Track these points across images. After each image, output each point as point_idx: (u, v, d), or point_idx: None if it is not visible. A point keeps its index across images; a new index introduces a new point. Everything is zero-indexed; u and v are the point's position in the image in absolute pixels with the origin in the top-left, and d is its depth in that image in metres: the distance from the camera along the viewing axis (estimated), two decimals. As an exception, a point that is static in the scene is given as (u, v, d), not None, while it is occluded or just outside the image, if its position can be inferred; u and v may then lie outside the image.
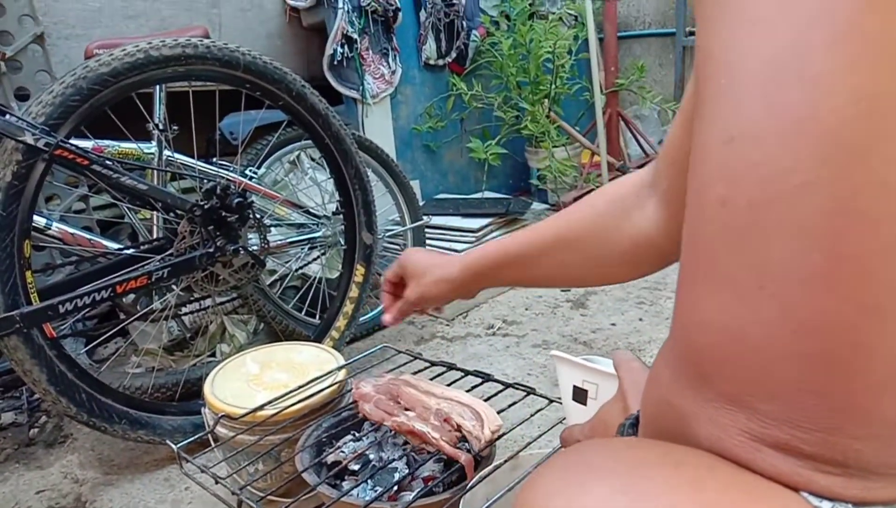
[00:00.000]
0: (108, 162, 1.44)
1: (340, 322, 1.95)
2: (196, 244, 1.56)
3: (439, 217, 2.75)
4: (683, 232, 0.35)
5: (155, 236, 1.69)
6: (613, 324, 2.16)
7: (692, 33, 3.17)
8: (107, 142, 1.74)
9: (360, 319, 2.07)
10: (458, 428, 1.14)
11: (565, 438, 0.69)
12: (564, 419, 1.14)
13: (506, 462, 1.07)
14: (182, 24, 2.47)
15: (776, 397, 0.31)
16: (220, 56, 1.56)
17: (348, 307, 1.96)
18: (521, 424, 1.18)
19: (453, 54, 3.11)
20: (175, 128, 1.82)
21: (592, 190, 3.19)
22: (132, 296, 1.90)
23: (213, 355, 2.11)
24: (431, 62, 3.04)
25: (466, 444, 1.17)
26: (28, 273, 1.41)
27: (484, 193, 3.12)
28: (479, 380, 1.33)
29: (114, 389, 1.57)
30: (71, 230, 1.69)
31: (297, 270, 2.23)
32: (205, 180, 1.66)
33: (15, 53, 2.03)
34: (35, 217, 1.49)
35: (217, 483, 1.11)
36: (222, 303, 2.06)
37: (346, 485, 1.18)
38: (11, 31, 2.03)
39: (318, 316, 2.16)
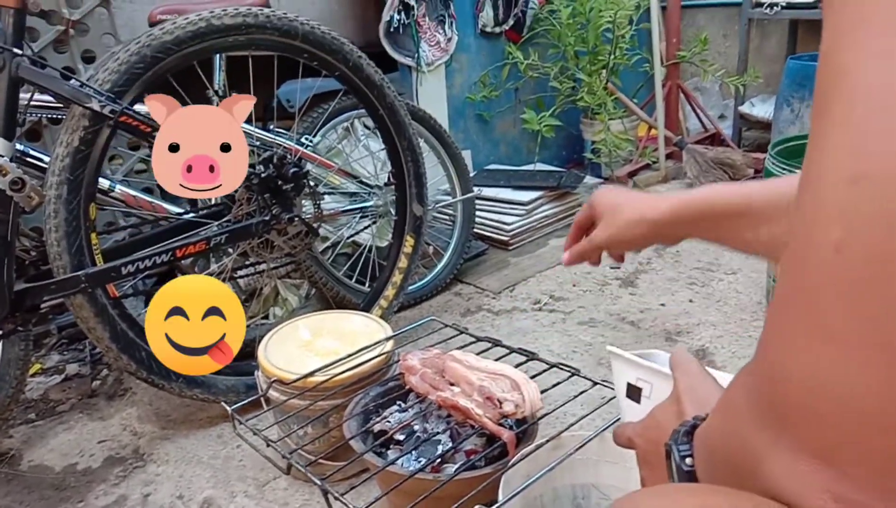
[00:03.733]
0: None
1: (389, 292, 1.98)
2: (253, 212, 1.60)
3: (490, 189, 2.74)
4: (781, 271, 0.32)
5: (213, 202, 1.73)
6: (663, 305, 2.14)
7: (759, 4, 3.04)
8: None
9: (409, 288, 2.10)
10: (501, 405, 1.16)
11: (618, 435, 0.68)
12: (609, 399, 1.15)
13: (548, 441, 1.09)
14: (242, -10, 2.49)
15: (873, 466, 0.28)
16: (280, 25, 1.57)
17: (397, 277, 1.99)
18: (564, 404, 1.19)
19: (510, 22, 3.06)
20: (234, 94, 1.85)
21: (648, 165, 3.16)
22: (190, 259, 1.97)
23: (266, 317, 2.17)
24: (488, 30, 3.00)
25: (509, 421, 1.19)
26: (93, 235, 1.47)
27: (536, 165, 3.08)
28: (524, 358, 1.35)
29: (172, 348, 1.63)
30: (133, 193, 1.75)
31: (348, 238, 2.26)
32: (262, 149, 1.69)
33: (82, 17, 2.09)
34: (99, 179, 1.54)
35: (268, 446, 1.16)
36: (276, 268, 2.11)
37: (390, 454, 1.21)
38: (79, -5, 2.09)
39: (367, 284, 2.19)
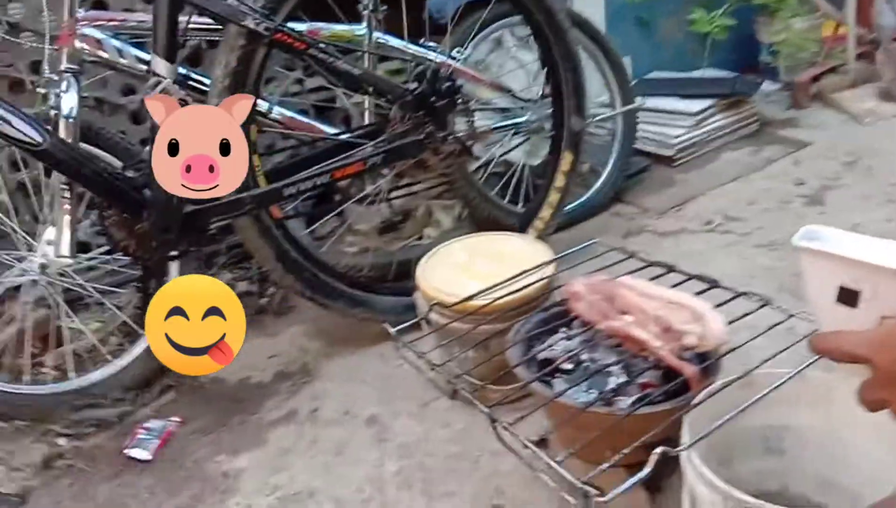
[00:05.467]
0: (322, 46, 1.43)
1: (545, 212, 1.89)
2: (407, 131, 1.55)
3: (653, 98, 2.52)
4: None
5: (367, 122, 1.70)
6: (857, 224, 1.89)
7: None
8: (319, 24, 1.75)
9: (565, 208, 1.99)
10: (681, 337, 1.05)
11: (821, 344, 0.55)
12: (814, 331, 1.01)
13: (738, 378, 0.98)
14: None
15: None
16: (432, -73, 1.47)
17: (554, 197, 1.88)
18: (754, 338, 1.06)
19: (676, -88, 2.74)
20: (384, 8, 1.78)
21: (835, 67, 2.77)
22: (347, 180, 1.97)
23: (420, 238, 2.16)
24: (651, -78, 2.71)
25: (688, 355, 1.08)
26: (255, 157, 1.48)
27: (704, 71, 2.80)
28: (705, 286, 1.22)
29: (334, 268, 1.65)
30: (290, 114, 1.75)
31: (500, 156, 2.17)
32: (414, 64, 1.62)
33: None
34: (257, 101, 1.54)
35: (433, 369, 1.13)
36: (429, 188, 2.07)
37: (556, 384, 1.15)
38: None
39: (521, 204, 2.10)
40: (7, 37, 1.75)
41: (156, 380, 1.68)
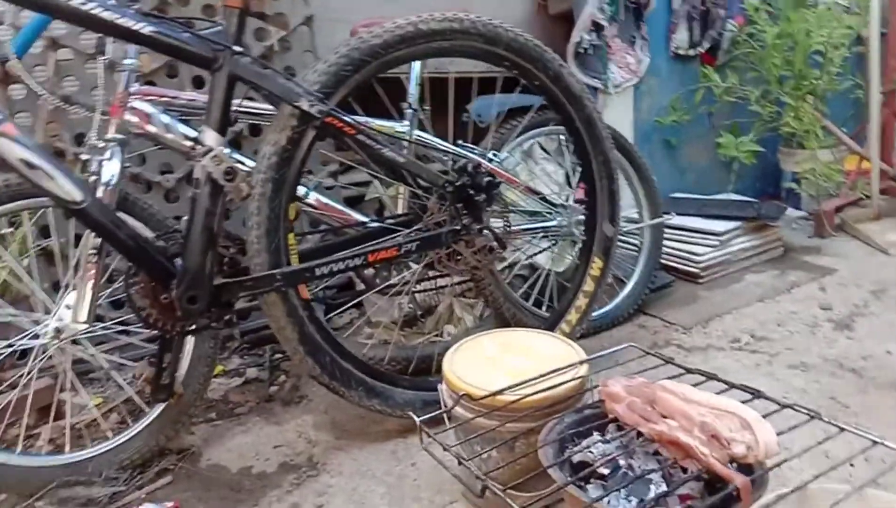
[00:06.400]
0: (371, 132, 1.46)
1: (572, 316, 1.85)
2: (443, 221, 1.55)
3: (679, 217, 2.54)
4: None
5: (401, 212, 1.70)
6: (889, 352, 1.84)
7: None
8: (363, 118, 1.80)
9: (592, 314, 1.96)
10: (729, 445, 0.99)
11: None
12: (863, 450, 0.95)
13: (792, 492, 0.91)
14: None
15: None
16: (484, 32, 1.53)
17: (581, 301, 1.86)
18: (805, 452, 1.00)
19: (706, 44, 2.87)
20: (427, 109, 1.83)
21: (860, 199, 2.81)
22: (372, 271, 1.96)
23: (440, 335, 2.12)
24: (681, 52, 2.83)
25: (733, 466, 1.02)
26: (290, 236, 1.48)
27: (728, 195, 2.85)
28: (748, 396, 1.17)
29: (354, 355, 1.60)
30: (326, 200, 1.76)
31: (527, 258, 2.16)
32: (454, 159, 1.64)
33: (287, 34, 2.18)
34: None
35: (460, 464, 1.07)
36: (453, 285, 2.06)
37: (591, 489, 1.08)
38: (286, 12, 2.18)
39: (545, 308, 2.08)
40: (61, 105, 1.82)
41: (153, 462, 1.62)
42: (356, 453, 1.64)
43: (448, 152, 1.81)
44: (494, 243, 1.61)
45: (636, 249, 2.32)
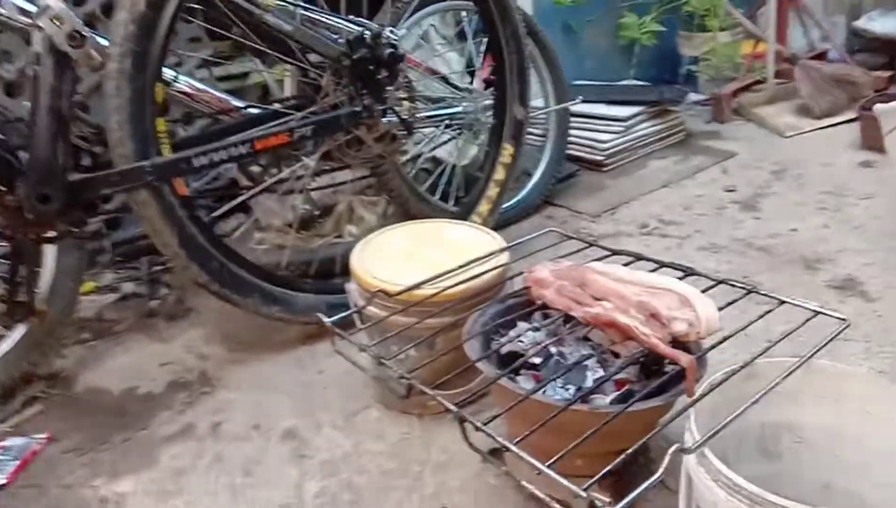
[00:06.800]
0: (247, -6, 1.23)
1: (483, 207, 1.74)
2: (340, 103, 1.36)
3: (582, 105, 2.45)
4: None
5: (291, 94, 1.50)
6: (794, 229, 1.86)
7: None
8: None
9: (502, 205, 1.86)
10: (670, 324, 0.92)
11: None
12: (808, 320, 0.90)
13: (742, 368, 0.85)
14: None
15: None
16: None
17: (493, 191, 1.75)
18: (747, 326, 0.94)
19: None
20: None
21: (757, 82, 2.82)
22: (259, 168, 1.75)
23: (340, 236, 1.96)
24: (579, -73, 2.67)
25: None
26: (160, 121, 1.25)
27: (630, 81, 2.78)
28: (680, 274, 1.10)
29: (247, 260, 1.43)
30: (197, 84, 1.53)
31: (430, 151, 2.01)
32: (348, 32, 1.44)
33: None
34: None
35: (381, 364, 0.95)
36: (354, 180, 1.88)
37: (522, 380, 0.99)
38: None
39: (452, 203, 1.95)
40: None
41: (19, 390, 1.42)
42: (255, 365, 1.50)
43: (341, 29, 1.60)
44: (400, 128, 1.45)
45: (542, 138, 2.22)
